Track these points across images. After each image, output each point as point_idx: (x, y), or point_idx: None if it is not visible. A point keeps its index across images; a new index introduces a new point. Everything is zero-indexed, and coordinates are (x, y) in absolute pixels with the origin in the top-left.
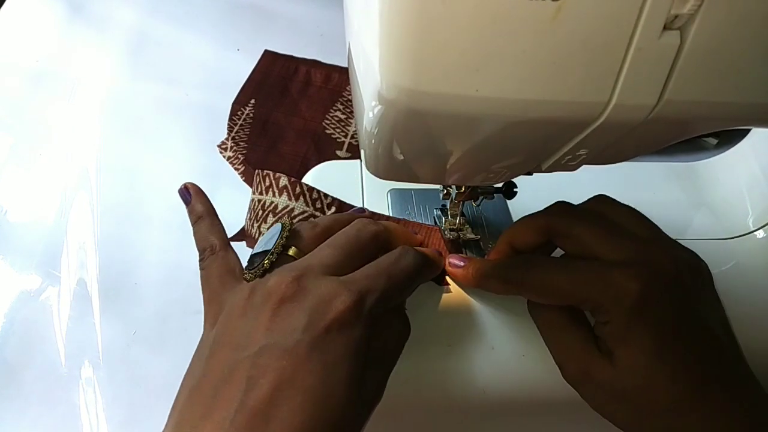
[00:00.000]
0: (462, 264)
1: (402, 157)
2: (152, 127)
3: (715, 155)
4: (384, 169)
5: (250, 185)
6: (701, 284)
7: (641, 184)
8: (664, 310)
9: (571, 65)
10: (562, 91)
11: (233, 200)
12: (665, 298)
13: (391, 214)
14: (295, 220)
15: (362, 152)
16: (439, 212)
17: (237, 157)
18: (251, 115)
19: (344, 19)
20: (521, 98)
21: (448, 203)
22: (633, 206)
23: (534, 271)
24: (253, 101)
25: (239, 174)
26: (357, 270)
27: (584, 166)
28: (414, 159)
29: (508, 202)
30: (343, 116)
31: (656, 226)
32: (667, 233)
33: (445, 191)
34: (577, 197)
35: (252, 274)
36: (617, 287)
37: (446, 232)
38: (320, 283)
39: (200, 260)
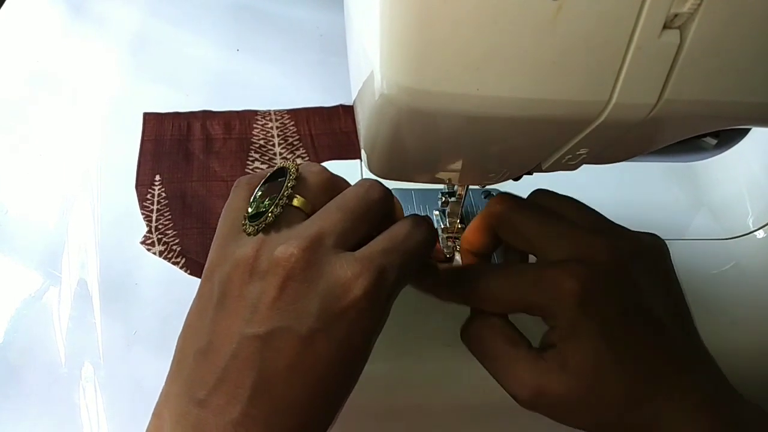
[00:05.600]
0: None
1: (403, 157)
2: None
3: (714, 155)
4: (384, 169)
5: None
6: (645, 269)
7: (641, 185)
8: (606, 305)
9: (571, 64)
10: (562, 90)
11: None
12: (605, 292)
13: None
14: None
15: (363, 152)
16: (440, 213)
17: (171, 250)
18: (163, 194)
19: (345, 20)
20: (522, 97)
21: (447, 208)
22: (633, 207)
23: (480, 282)
24: (158, 177)
25: (180, 268)
26: (365, 238)
27: (584, 166)
28: (415, 158)
29: None
30: (264, 165)
31: (598, 213)
32: (665, 233)
33: (444, 199)
34: (577, 197)
35: (254, 227)
36: (557, 288)
37: (442, 240)
38: (333, 262)
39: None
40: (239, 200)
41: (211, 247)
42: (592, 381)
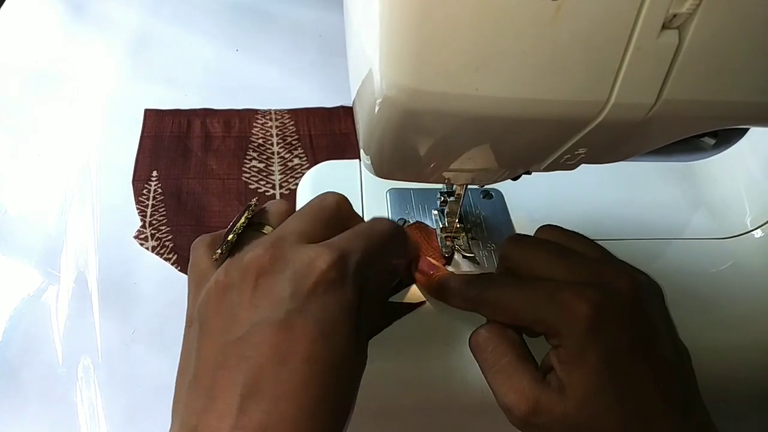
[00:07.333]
0: (429, 272)
1: (401, 157)
2: None
3: (713, 155)
4: (383, 169)
5: None
6: (657, 306)
7: (639, 184)
8: (617, 333)
9: (570, 64)
10: (561, 90)
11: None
12: (618, 320)
13: (390, 214)
14: None
15: (361, 152)
16: (438, 212)
17: (163, 246)
18: (159, 190)
19: (344, 20)
20: (521, 97)
21: (446, 207)
22: (631, 206)
23: (492, 289)
24: (155, 173)
25: (172, 264)
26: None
27: (583, 166)
28: (413, 158)
29: (507, 202)
30: (261, 164)
31: (605, 249)
32: (664, 233)
33: (442, 198)
34: (575, 196)
35: (220, 254)
36: (568, 308)
37: (441, 239)
38: (297, 249)
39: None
40: (201, 256)
41: (187, 306)
42: (589, 409)
